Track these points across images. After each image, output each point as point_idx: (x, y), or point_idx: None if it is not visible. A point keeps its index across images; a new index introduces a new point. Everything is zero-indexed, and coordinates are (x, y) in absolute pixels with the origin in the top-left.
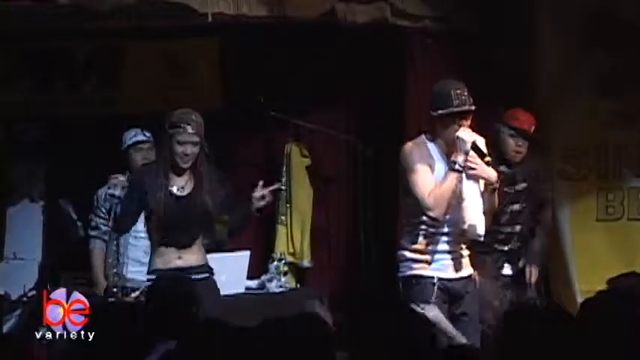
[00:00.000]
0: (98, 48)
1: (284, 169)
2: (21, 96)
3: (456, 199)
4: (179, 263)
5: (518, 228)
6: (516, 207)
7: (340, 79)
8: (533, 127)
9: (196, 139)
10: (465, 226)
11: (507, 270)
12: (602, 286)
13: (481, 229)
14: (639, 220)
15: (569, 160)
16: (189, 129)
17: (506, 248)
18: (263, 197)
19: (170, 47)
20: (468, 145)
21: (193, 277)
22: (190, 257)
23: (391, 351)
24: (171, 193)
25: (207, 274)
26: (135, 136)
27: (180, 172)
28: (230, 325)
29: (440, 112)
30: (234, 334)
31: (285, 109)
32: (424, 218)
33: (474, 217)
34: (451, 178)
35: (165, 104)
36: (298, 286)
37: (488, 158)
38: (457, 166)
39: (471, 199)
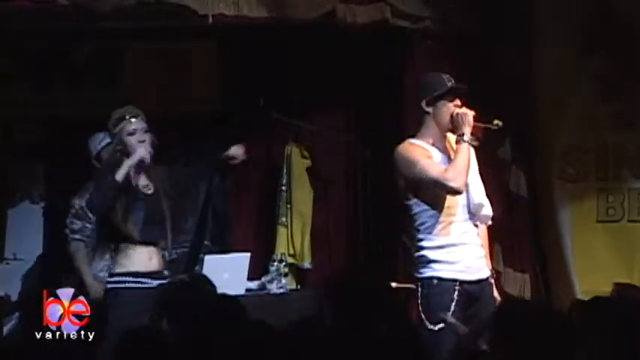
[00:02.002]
0: (98, 48)
1: (284, 170)
2: (21, 96)
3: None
4: (152, 266)
5: None
6: None
7: (340, 80)
8: None
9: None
10: (474, 206)
11: None
12: (603, 287)
13: (488, 210)
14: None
15: (570, 161)
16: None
17: None
18: (234, 157)
19: (170, 48)
20: (470, 117)
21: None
22: (157, 260)
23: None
24: (138, 190)
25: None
26: (104, 139)
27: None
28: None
29: (435, 93)
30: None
31: (286, 110)
32: (443, 208)
33: (480, 197)
34: (463, 150)
35: (165, 105)
36: (299, 287)
37: (497, 121)
38: (465, 138)
39: (474, 181)
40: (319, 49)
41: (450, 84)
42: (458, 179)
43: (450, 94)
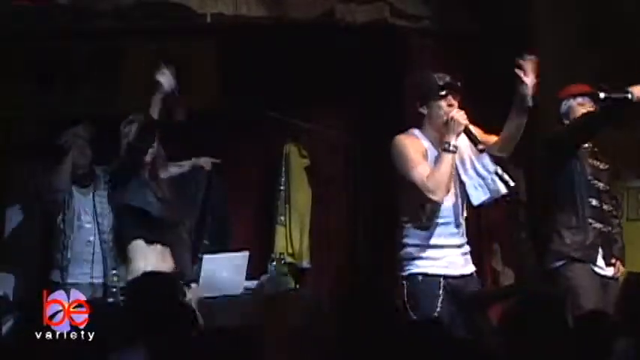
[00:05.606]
0: (97, 48)
1: (283, 169)
2: (21, 96)
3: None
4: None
5: (606, 207)
6: (601, 185)
7: (339, 80)
8: (588, 89)
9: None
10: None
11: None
12: None
13: (503, 188)
14: (639, 221)
15: None
16: None
17: (599, 226)
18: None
19: (169, 47)
20: (461, 127)
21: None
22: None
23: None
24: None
25: None
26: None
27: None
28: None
29: (426, 93)
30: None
31: (284, 109)
32: (427, 210)
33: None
34: (446, 160)
35: (164, 105)
36: (297, 286)
37: (481, 146)
38: (451, 147)
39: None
40: (318, 48)
41: (441, 82)
42: (438, 191)
43: (439, 94)
